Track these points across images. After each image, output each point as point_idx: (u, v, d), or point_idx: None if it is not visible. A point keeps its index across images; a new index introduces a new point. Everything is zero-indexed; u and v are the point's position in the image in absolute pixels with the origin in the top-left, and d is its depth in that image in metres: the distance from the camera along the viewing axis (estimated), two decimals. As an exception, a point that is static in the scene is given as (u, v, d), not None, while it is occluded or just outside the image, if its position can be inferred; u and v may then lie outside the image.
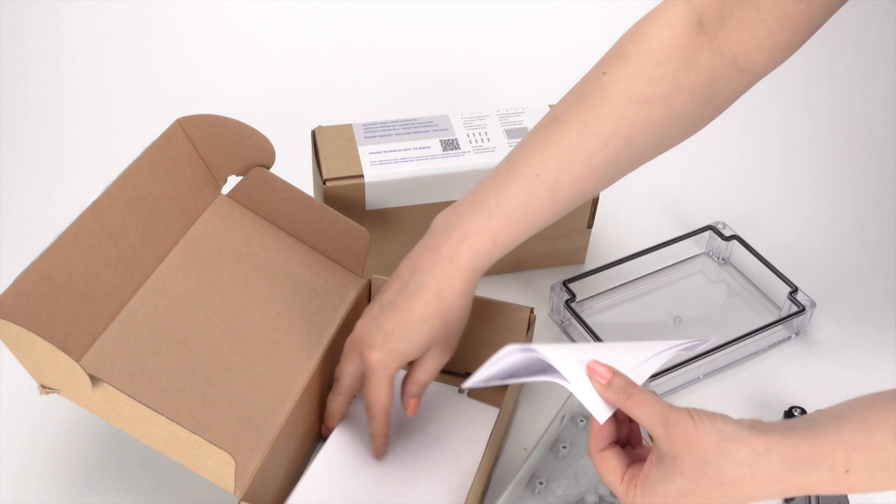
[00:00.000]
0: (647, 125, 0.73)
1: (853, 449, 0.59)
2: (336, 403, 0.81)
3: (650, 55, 0.73)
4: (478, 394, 0.88)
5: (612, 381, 0.66)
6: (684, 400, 0.91)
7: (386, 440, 0.80)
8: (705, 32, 0.73)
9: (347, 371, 0.79)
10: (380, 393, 0.76)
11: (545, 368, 0.68)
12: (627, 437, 0.70)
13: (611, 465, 0.67)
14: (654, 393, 0.66)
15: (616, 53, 0.75)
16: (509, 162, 0.76)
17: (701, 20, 0.73)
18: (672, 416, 0.63)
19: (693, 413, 0.63)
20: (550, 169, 0.74)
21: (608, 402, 0.66)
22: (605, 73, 0.74)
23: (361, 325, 0.77)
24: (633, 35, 0.75)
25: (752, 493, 0.62)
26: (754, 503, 0.62)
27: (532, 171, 0.74)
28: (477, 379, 0.70)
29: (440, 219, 0.77)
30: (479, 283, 0.77)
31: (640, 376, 0.69)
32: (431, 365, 0.77)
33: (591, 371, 0.66)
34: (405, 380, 0.79)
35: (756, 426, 0.63)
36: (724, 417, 0.63)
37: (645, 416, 0.64)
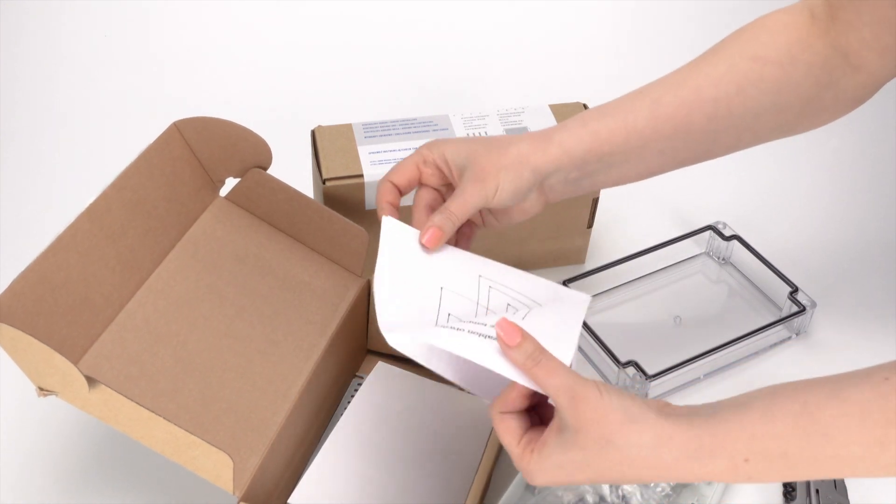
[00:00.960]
0: (760, 80, 0.74)
1: (753, 438, 0.59)
2: (381, 189, 0.77)
3: (764, 28, 0.75)
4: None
5: (521, 345, 0.63)
6: (684, 400, 0.91)
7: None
8: (818, 25, 0.74)
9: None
10: (402, 161, 0.76)
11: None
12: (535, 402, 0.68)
13: (510, 426, 0.64)
14: (562, 363, 0.63)
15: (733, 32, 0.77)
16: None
17: (814, 14, 0.74)
18: (580, 390, 0.61)
19: (601, 388, 0.61)
20: (654, 87, 0.75)
21: (514, 364, 0.63)
22: (720, 43, 0.76)
23: None
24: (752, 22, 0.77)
25: (649, 475, 0.61)
26: (647, 483, 0.62)
27: (635, 93, 0.76)
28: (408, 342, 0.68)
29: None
30: None
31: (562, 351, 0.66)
32: (464, 194, 0.73)
33: (501, 329, 0.63)
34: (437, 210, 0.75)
35: (662, 409, 0.62)
36: (631, 397, 0.62)
37: (551, 387, 0.62)
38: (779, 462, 0.59)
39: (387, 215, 0.75)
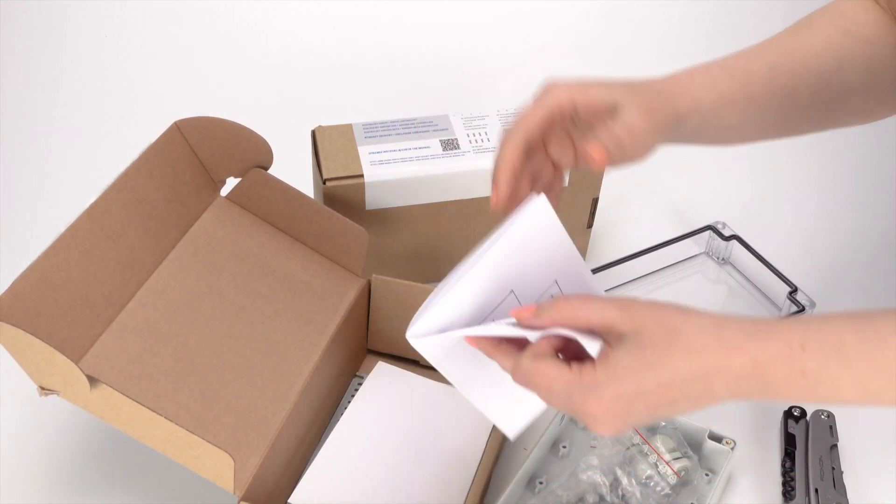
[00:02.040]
0: (855, 57, 0.73)
1: (810, 328, 0.57)
2: (511, 144, 0.67)
3: (846, 6, 0.74)
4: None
5: (540, 308, 0.59)
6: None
7: (508, 182, 0.66)
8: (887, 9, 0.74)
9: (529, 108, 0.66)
10: (532, 109, 0.66)
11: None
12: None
13: (550, 363, 0.58)
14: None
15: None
16: None
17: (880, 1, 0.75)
18: (625, 300, 0.58)
19: (638, 299, 0.60)
20: (765, 51, 0.73)
21: (547, 325, 0.59)
22: (811, 15, 0.75)
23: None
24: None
25: (716, 366, 0.56)
26: (713, 399, 0.57)
27: (748, 60, 0.73)
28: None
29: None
30: None
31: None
32: (625, 116, 0.65)
33: (516, 316, 0.60)
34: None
35: None
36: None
37: (594, 311, 0.58)
38: (834, 356, 0.56)
39: (539, 192, 0.66)
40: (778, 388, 0.57)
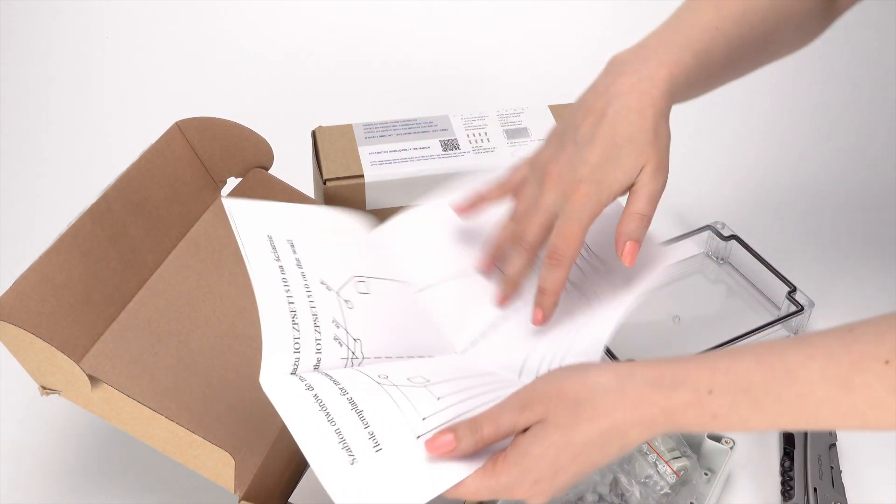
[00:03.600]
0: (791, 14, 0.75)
1: (716, 371, 0.57)
2: (519, 263, 0.73)
3: None
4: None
5: (459, 437, 0.60)
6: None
7: (557, 298, 0.71)
8: None
9: (534, 221, 0.71)
10: (574, 235, 0.68)
11: None
12: None
13: (468, 481, 0.60)
14: (499, 405, 0.61)
15: None
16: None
17: None
18: (523, 394, 0.60)
19: (541, 376, 0.61)
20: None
21: (470, 457, 0.60)
22: None
23: (557, 167, 0.70)
24: None
25: (625, 420, 0.58)
26: (629, 446, 0.59)
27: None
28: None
29: (623, 55, 0.73)
30: None
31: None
32: (649, 188, 0.68)
33: (432, 447, 0.60)
34: (622, 219, 0.70)
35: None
36: (576, 363, 0.61)
37: (504, 422, 0.59)
38: (743, 398, 0.56)
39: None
40: (692, 429, 0.59)
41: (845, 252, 1.08)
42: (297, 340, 0.65)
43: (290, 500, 0.77)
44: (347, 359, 0.67)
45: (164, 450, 0.68)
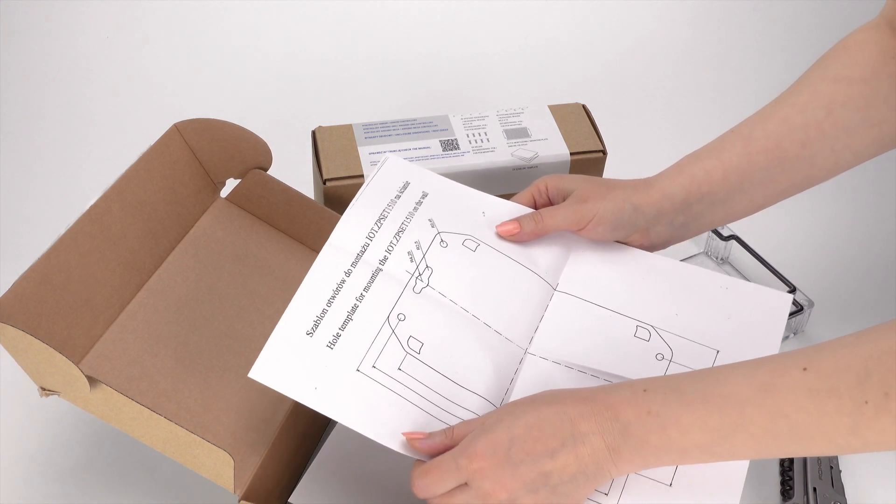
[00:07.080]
0: (847, 99, 0.75)
1: (654, 378, 0.63)
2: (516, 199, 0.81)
3: (845, 49, 0.76)
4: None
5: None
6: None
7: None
8: None
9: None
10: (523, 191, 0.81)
11: None
12: None
13: (432, 463, 0.63)
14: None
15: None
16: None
17: (892, 25, 0.75)
18: (488, 420, 0.64)
19: (480, 428, 0.63)
20: (743, 125, 0.77)
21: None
22: (804, 73, 0.78)
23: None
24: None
25: (577, 410, 0.62)
26: (583, 442, 0.61)
27: (725, 134, 0.78)
28: None
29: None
30: None
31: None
32: (561, 210, 0.77)
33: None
34: (556, 209, 0.78)
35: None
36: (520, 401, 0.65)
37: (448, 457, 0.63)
38: (673, 395, 0.60)
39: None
40: (635, 431, 0.61)
41: (845, 252, 1.08)
42: (374, 231, 0.72)
43: (290, 500, 0.77)
44: (412, 274, 0.71)
45: (164, 450, 0.68)
